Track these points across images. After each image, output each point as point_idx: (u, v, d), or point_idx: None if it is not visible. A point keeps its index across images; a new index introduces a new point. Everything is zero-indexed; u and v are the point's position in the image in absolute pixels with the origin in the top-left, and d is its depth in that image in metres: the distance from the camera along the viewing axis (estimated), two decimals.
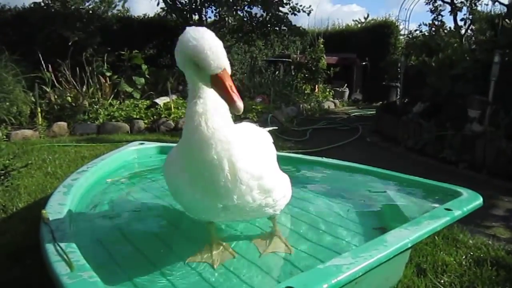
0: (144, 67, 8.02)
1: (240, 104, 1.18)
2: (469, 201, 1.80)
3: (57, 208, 1.70)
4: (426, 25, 7.24)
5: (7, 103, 5.80)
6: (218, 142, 1.26)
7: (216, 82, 1.20)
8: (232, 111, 1.23)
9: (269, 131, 1.92)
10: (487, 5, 6.87)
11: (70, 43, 7.50)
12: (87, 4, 9.36)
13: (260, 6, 8.72)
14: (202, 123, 1.27)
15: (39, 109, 6.10)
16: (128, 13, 10.22)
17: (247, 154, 1.36)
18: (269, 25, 9.08)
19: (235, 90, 1.19)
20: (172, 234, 1.84)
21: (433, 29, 7.29)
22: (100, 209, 2.06)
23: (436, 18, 7.52)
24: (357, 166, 2.58)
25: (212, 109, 1.29)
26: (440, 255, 2.19)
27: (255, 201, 1.42)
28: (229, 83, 1.19)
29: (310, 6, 9.02)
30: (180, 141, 1.43)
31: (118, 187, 2.44)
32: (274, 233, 1.78)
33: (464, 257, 2.20)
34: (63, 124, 6.17)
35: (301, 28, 9.42)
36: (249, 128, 1.73)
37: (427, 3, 7.64)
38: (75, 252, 1.30)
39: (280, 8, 8.83)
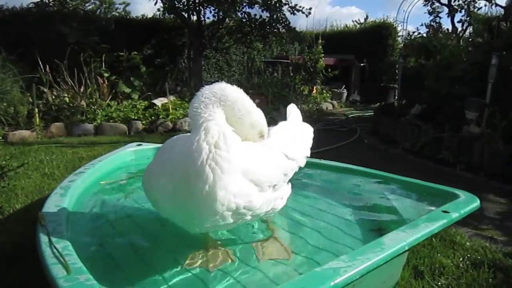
0: (142, 68, 8.02)
1: None
2: (466, 203, 1.80)
3: (54, 210, 1.69)
4: (423, 25, 7.28)
5: (4, 104, 5.78)
6: (210, 172, 1.27)
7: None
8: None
9: None
10: (485, 5, 6.88)
11: (68, 44, 7.47)
12: (86, 5, 9.35)
13: (262, 8, 8.73)
14: (204, 152, 1.28)
15: (36, 110, 6.09)
16: (128, 16, 10.20)
17: (239, 183, 1.35)
18: (267, 27, 9.09)
19: None
20: (170, 236, 1.83)
21: (431, 31, 7.32)
22: (98, 211, 2.05)
23: (433, 20, 7.56)
24: (355, 168, 2.58)
25: (218, 137, 1.31)
26: (437, 257, 2.19)
27: (227, 222, 1.40)
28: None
29: (310, 8, 9.05)
30: (167, 153, 1.45)
31: (116, 188, 2.43)
32: (272, 238, 1.76)
33: (461, 259, 2.20)
34: (61, 124, 6.16)
35: (300, 33, 9.46)
36: (281, 130, 1.76)
37: (425, 5, 7.68)
38: (72, 254, 1.29)
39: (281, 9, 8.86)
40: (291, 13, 9.01)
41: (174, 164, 1.37)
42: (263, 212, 1.53)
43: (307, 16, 9.10)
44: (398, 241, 1.41)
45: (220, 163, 1.28)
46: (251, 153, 1.47)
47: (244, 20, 9.16)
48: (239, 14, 9.09)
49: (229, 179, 1.30)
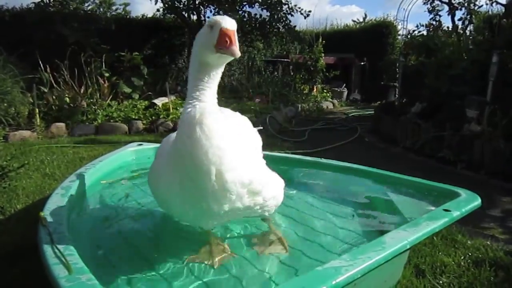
0: (143, 68, 8.02)
1: (235, 48, 1.25)
2: (467, 202, 1.80)
3: (55, 210, 1.69)
4: (423, 26, 7.27)
5: (5, 104, 5.78)
6: (210, 150, 1.28)
7: (220, 36, 1.25)
8: (229, 55, 1.28)
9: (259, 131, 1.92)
10: (486, 3, 6.87)
11: (68, 44, 7.47)
12: (86, 5, 9.35)
13: (262, 7, 8.74)
14: (197, 128, 1.29)
15: (37, 110, 6.09)
16: (128, 16, 10.19)
17: (238, 160, 1.37)
18: (268, 26, 9.11)
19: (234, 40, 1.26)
20: (170, 235, 1.84)
21: (431, 29, 7.31)
22: (99, 211, 2.06)
23: (434, 18, 7.54)
24: (355, 167, 2.58)
25: (208, 113, 1.31)
26: (438, 256, 2.19)
27: (244, 204, 1.44)
28: (230, 34, 1.25)
29: (309, 11, 9.09)
30: (172, 145, 1.43)
31: (117, 188, 2.43)
32: (271, 233, 1.80)
33: (462, 258, 2.20)
34: (61, 125, 6.16)
35: (300, 32, 9.46)
36: (230, 115, 1.72)
37: (425, 3, 7.66)
38: (73, 254, 1.29)
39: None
40: (288, 14, 9.05)
41: (173, 157, 1.38)
42: (270, 196, 1.56)
43: (305, 17, 9.15)
44: (400, 239, 1.41)
45: (216, 141, 1.30)
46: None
47: (245, 19, 9.16)
48: (239, 13, 9.09)
49: (231, 157, 1.33)
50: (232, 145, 1.35)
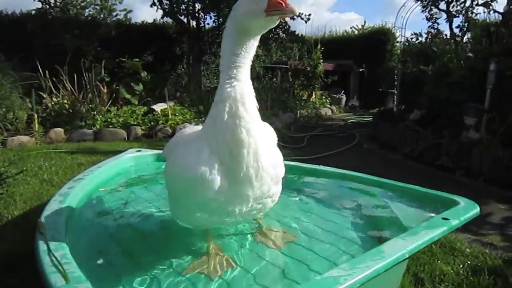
0: (143, 74, 8.03)
1: (292, 5, 1.27)
2: (466, 210, 1.79)
3: (52, 217, 1.69)
4: (421, 35, 7.31)
5: (4, 109, 5.78)
6: (252, 128, 1.34)
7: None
8: (288, 14, 1.29)
9: None
10: (484, 12, 6.92)
11: (68, 50, 7.50)
12: (87, 10, 9.39)
13: None
14: (240, 107, 1.32)
15: (35, 115, 6.08)
16: (128, 22, 10.23)
17: (267, 143, 1.45)
18: (267, 32, 9.13)
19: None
20: (169, 244, 1.82)
21: (430, 36, 7.35)
22: (97, 218, 2.05)
23: (432, 26, 7.59)
24: (354, 174, 2.57)
25: (247, 94, 1.36)
26: (437, 264, 2.19)
27: (269, 190, 1.49)
28: None
29: (309, 14, 9.11)
30: (207, 128, 1.43)
31: (115, 195, 2.42)
32: (266, 229, 1.86)
33: (461, 266, 2.20)
34: (60, 130, 6.16)
35: (299, 35, 9.48)
36: None
37: (423, 11, 7.71)
38: (71, 263, 1.28)
39: None
40: (290, 18, 9.06)
41: (213, 138, 1.38)
42: (276, 191, 1.59)
43: (306, 22, 9.15)
44: (398, 249, 1.40)
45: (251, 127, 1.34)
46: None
47: None
48: None
49: (264, 139, 1.41)
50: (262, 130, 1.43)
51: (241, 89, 1.34)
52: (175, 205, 1.68)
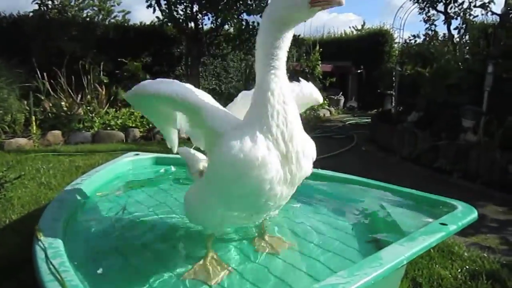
0: (142, 75, 8.02)
1: None
2: (464, 215, 1.80)
3: (50, 223, 1.68)
4: (418, 37, 7.33)
5: (1, 111, 5.76)
6: (296, 115, 1.44)
7: None
8: (335, 5, 1.30)
9: None
10: (481, 14, 6.93)
11: (66, 53, 7.48)
12: (85, 12, 9.37)
13: (260, 14, 8.76)
14: (286, 95, 1.40)
15: (33, 118, 6.06)
16: (126, 24, 10.21)
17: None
18: None
19: None
20: (167, 249, 1.82)
21: (428, 38, 7.36)
22: (95, 224, 2.04)
23: (429, 27, 7.61)
24: (351, 178, 2.57)
25: (286, 88, 1.42)
26: (435, 269, 2.19)
27: (305, 176, 1.57)
28: None
29: None
30: (254, 116, 1.43)
31: (113, 200, 2.41)
32: (268, 235, 1.87)
33: (459, 270, 2.20)
34: (58, 132, 6.14)
35: (298, 37, 9.47)
36: None
37: (420, 13, 7.73)
38: (69, 271, 1.28)
39: None
40: None
41: (265, 124, 1.40)
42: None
43: (305, 21, 9.13)
44: (396, 255, 1.40)
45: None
46: None
47: (243, 27, 9.18)
48: (237, 20, 9.12)
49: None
50: None
51: (284, 79, 1.42)
52: (212, 195, 1.55)
